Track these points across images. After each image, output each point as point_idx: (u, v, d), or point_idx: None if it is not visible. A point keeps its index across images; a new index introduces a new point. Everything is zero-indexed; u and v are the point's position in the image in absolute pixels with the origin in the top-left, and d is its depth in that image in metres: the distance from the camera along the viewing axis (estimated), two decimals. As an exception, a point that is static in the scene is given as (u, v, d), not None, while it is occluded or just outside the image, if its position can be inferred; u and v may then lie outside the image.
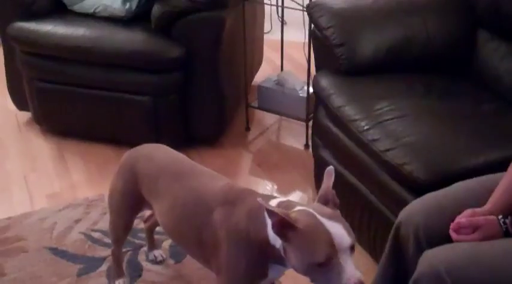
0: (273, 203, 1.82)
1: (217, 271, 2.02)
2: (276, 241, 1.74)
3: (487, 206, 1.92)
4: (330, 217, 1.65)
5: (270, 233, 1.75)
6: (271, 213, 1.64)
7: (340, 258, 1.60)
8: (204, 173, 2.17)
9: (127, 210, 2.40)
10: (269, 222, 1.69)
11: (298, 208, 1.73)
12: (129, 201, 2.35)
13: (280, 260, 1.80)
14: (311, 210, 1.68)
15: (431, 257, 1.87)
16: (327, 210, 1.69)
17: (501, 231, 1.86)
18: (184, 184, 2.11)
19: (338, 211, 1.73)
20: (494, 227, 1.86)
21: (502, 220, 1.86)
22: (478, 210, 1.91)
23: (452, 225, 1.91)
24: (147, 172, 2.23)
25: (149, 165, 2.24)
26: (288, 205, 1.80)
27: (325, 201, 1.74)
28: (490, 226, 1.87)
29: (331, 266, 1.60)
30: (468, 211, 1.90)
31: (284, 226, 1.64)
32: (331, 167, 1.75)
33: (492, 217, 1.88)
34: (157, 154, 2.30)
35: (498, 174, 2.06)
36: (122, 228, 2.48)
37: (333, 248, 1.60)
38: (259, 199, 1.66)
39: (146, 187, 2.23)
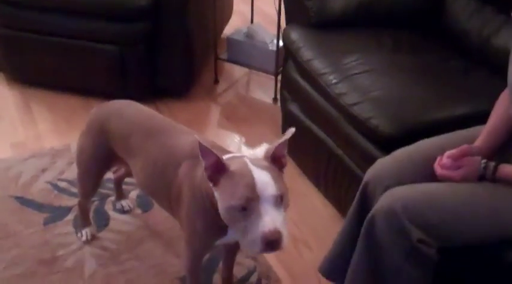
0: (227, 156, 1.81)
1: (181, 225, 2.05)
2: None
3: (477, 143, 1.98)
4: (261, 166, 1.65)
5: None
6: (205, 152, 1.64)
7: (261, 206, 1.59)
8: (176, 128, 2.16)
9: (97, 167, 2.39)
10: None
11: (235, 156, 1.75)
12: (100, 158, 2.34)
13: None
14: (247, 160, 1.69)
15: (390, 195, 1.94)
16: (263, 162, 1.68)
17: (477, 175, 1.91)
18: (156, 141, 2.10)
19: (278, 170, 1.71)
20: (475, 169, 1.91)
21: (484, 164, 1.90)
22: (473, 146, 1.96)
23: (438, 162, 1.96)
24: (118, 130, 2.21)
25: (120, 122, 2.22)
26: (237, 157, 1.80)
27: (272, 158, 1.70)
28: (472, 167, 1.91)
29: (250, 212, 1.59)
30: (464, 147, 1.93)
31: (216, 168, 1.65)
32: (292, 128, 1.72)
33: (477, 158, 1.92)
34: (128, 111, 2.27)
35: (468, 129, 2.11)
36: (91, 185, 2.48)
37: (253, 193, 1.59)
38: (195, 136, 1.67)
39: (119, 145, 2.22)
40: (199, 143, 1.64)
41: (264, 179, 1.61)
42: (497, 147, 2.00)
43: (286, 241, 1.61)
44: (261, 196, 1.59)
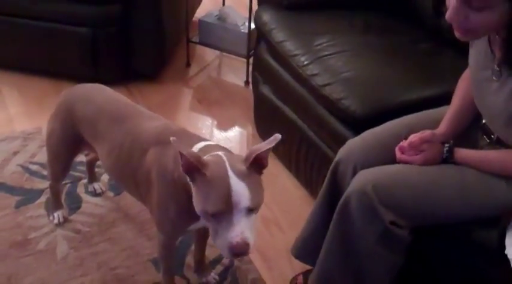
0: (199, 145, 1.82)
1: (151, 212, 2.04)
2: None
3: (442, 129, 2.00)
4: (240, 175, 1.60)
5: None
6: (180, 154, 1.61)
7: (233, 216, 1.58)
8: (142, 114, 2.14)
9: (66, 151, 2.38)
10: None
11: (217, 153, 1.70)
12: (68, 143, 2.33)
13: None
14: (226, 161, 1.63)
15: (362, 176, 1.96)
16: (242, 167, 1.62)
17: (441, 158, 1.94)
18: (122, 126, 2.09)
19: (257, 175, 1.67)
20: (437, 153, 1.94)
21: (447, 148, 1.93)
22: (436, 132, 1.98)
23: (399, 146, 1.99)
24: (85, 115, 2.20)
25: (87, 107, 2.21)
26: (212, 149, 1.78)
27: (254, 159, 1.64)
28: (432, 151, 1.94)
29: (221, 220, 1.60)
30: (426, 132, 1.96)
31: (193, 169, 1.62)
32: (278, 135, 1.68)
33: (437, 144, 1.95)
34: (95, 95, 2.26)
35: (435, 109, 2.14)
36: (60, 168, 2.47)
37: (227, 205, 1.57)
38: (172, 139, 1.62)
39: (85, 129, 2.21)
40: (177, 147, 1.61)
41: (240, 191, 1.58)
42: (462, 129, 2.02)
43: (253, 247, 1.61)
44: (234, 208, 1.58)
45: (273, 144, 1.63)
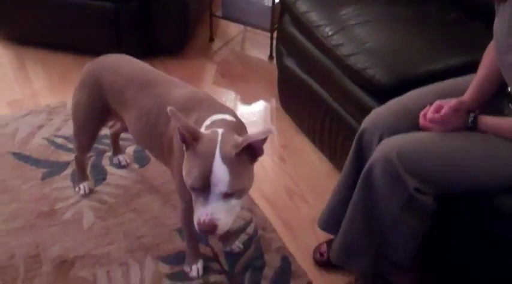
0: (214, 117, 1.83)
1: (172, 175, 2.07)
2: None
3: (467, 97, 1.98)
4: (226, 158, 1.62)
5: None
6: (177, 119, 1.64)
7: (209, 195, 1.61)
8: (169, 81, 2.16)
9: (93, 122, 2.40)
10: None
11: (217, 130, 1.71)
12: (96, 113, 2.34)
13: None
14: (219, 141, 1.65)
15: (386, 144, 1.95)
16: (232, 151, 1.63)
17: (465, 126, 1.92)
18: (149, 93, 2.10)
19: (247, 162, 1.68)
20: (462, 121, 1.92)
21: (472, 118, 1.91)
22: (463, 100, 1.96)
23: (423, 112, 1.97)
24: (113, 84, 2.21)
25: (115, 76, 2.22)
26: (221, 124, 1.79)
27: (247, 147, 1.64)
28: (457, 119, 1.92)
29: (198, 195, 1.64)
30: (454, 101, 1.94)
31: (185, 139, 1.66)
32: (271, 127, 1.69)
33: (463, 112, 1.92)
34: (122, 65, 2.27)
35: (461, 77, 2.11)
36: (87, 140, 2.49)
37: (204, 184, 1.61)
38: (169, 109, 1.63)
39: (113, 98, 2.22)
40: (173, 117, 1.64)
41: (219, 174, 1.60)
42: (487, 98, 1.99)
43: (224, 228, 1.64)
44: (211, 189, 1.61)
45: (266, 136, 1.62)
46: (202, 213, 1.62)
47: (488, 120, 1.90)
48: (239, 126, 1.86)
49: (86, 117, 2.38)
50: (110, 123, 2.68)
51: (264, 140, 1.64)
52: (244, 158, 1.66)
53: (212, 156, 1.61)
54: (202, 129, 1.78)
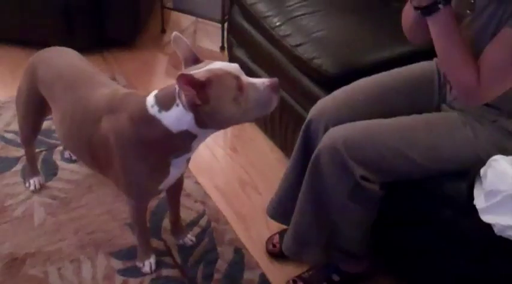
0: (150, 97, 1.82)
1: (116, 181, 2.05)
2: (179, 125, 1.74)
3: None
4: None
5: (170, 122, 1.75)
6: (187, 80, 1.62)
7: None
8: (94, 81, 2.10)
9: (32, 111, 2.38)
10: (168, 114, 1.73)
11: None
12: (33, 103, 2.32)
13: (183, 149, 1.83)
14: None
15: (333, 133, 1.97)
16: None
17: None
18: (73, 94, 2.06)
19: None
20: None
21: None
22: None
23: None
24: (44, 77, 2.20)
25: (47, 70, 2.20)
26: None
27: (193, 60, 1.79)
28: None
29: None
30: None
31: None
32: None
33: None
34: (57, 59, 2.25)
35: (406, 67, 2.14)
36: (29, 128, 2.47)
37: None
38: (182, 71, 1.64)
39: (45, 92, 2.21)
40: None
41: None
42: None
43: None
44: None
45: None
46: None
47: (450, 12, 1.74)
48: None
49: (25, 106, 2.37)
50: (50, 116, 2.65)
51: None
52: None
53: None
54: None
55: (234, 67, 1.73)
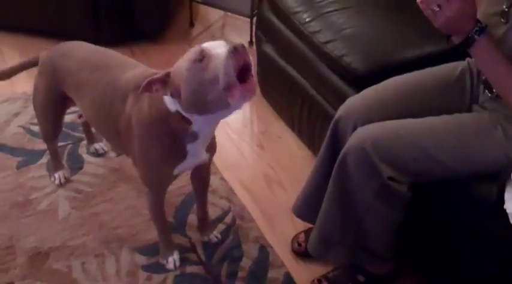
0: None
1: (134, 161, 2.04)
2: (173, 104, 1.75)
3: None
4: None
5: (168, 101, 1.76)
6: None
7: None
8: (124, 63, 2.12)
9: (52, 109, 2.37)
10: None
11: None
12: (53, 100, 2.32)
13: (186, 132, 1.81)
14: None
15: (361, 133, 1.94)
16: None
17: (465, 32, 1.70)
18: (104, 75, 2.07)
19: None
20: (466, 22, 1.69)
21: (478, 28, 1.68)
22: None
23: None
24: (67, 68, 2.18)
25: (69, 60, 2.19)
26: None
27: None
28: (463, 16, 1.68)
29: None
30: None
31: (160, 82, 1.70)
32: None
33: (473, 11, 1.69)
34: (78, 49, 2.24)
35: (438, 66, 2.09)
36: (50, 127, 2.46)
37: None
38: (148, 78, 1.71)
39: (69, 84, 2.20)
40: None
41: None
42: None
43: None
44: None
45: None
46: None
47: (489, 40, 1.72)
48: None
49: (45, 104, 2.36)
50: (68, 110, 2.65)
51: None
52: None
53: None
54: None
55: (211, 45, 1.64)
